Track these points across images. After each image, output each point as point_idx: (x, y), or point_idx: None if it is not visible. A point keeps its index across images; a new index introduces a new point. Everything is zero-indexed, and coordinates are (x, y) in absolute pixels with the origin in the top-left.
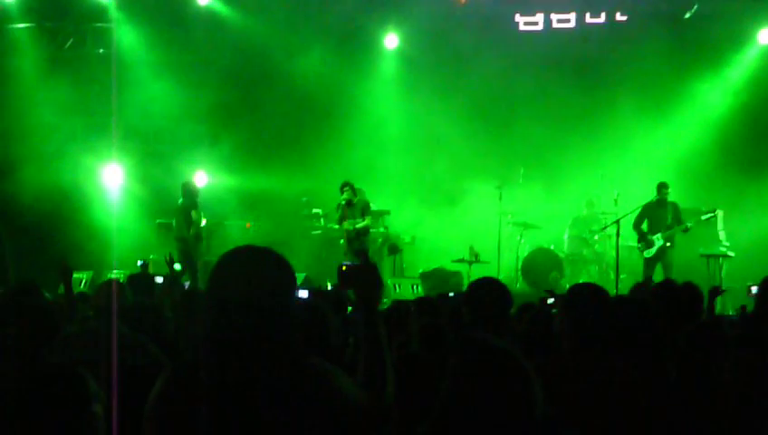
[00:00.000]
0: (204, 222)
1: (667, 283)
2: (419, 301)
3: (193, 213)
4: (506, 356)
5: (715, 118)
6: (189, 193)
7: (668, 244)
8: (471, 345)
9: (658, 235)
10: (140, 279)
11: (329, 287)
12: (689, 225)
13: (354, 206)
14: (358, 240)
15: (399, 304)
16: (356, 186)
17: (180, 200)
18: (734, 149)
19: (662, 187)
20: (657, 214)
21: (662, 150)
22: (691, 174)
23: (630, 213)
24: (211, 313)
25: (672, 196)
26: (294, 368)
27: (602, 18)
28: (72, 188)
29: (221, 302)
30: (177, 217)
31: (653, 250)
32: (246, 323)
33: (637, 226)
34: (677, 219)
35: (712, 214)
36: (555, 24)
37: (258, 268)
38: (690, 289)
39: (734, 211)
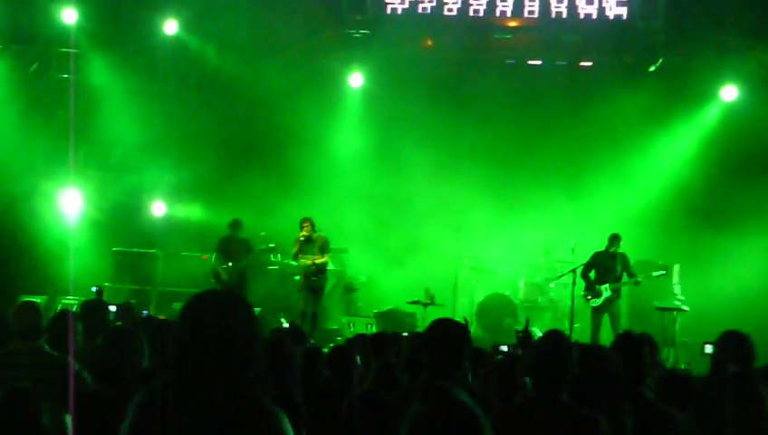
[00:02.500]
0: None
1: (627, 335)
2: (373, 338)
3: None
4: (468, 414)
5: (676, 172)
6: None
7: (615, 295)
8: (435, 397)
9: (606, 285)
10: (94, 306)
11: (284, 324)
12: (639, 278)
13: (313, 242)
14: (315, 277)
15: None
16: (307, 221)
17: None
18: (693, 204)
19: (614, 238)
20: (607, 265)
21: (622, 201)
22: (650, 226)
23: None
24: (178, 352)
25: (630, 247)
26: (247, 405)
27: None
28: (29, 212)
29: (185, 344)
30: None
31: (600, 300)
32: (209, 365)
33: (584, 274)
34: (626, 271)
35: (663, 272)
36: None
37: (224, 315)
38: (648, 341)
39: (690, 265)
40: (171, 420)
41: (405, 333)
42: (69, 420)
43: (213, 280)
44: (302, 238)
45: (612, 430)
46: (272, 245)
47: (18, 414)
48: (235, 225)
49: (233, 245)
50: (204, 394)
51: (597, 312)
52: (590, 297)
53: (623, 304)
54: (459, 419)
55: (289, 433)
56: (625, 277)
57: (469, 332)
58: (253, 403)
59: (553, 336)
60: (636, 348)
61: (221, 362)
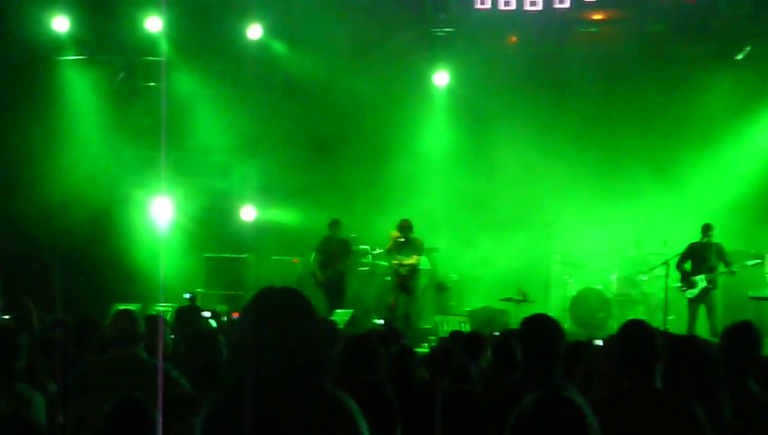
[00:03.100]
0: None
1: (748, 325)
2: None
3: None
4: (578, 411)
5: (766, 160)
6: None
7: (711, 285)
8: (543, 393)
9: (701, 276)
10: (188, 312)
11: (379, 322)
12: (734, 268)
13: (409, 243)
14: (409, 277)
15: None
16: (406, 223)
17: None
18: None
19: (707, 228)
20: (702, 255)
21: (714, 191)
22: (743, 216)
23: (679, 254)
24: (242, 348)
25: (722, 237)
26: (321, 397)
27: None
28: (121, 221)
29: (258, 341)
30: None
31: (695, 291)
32: (280, 355)
33: (680, 266)
34: (723, 261)
35: (759, 260)
36: None
37: (283, 307)
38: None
39: None
40: (241, 418)
41: (496, 332)
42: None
43: (312, 280)
44: (399, 239)
45: (709, 420)
46: (364, 247)
47: (134, 423)
48: (334, 224)
49: (333, 244)
50: (266, 390)
51: (693, 303)
52: (685, 288)
53: (718, 295)
54: (568, 416)
55: (358, 417)
56: (721, 267)
57: (561, 326)
58: (317, 394)
59: (636, 324)
60: (748, 339)
61: (279, 358)
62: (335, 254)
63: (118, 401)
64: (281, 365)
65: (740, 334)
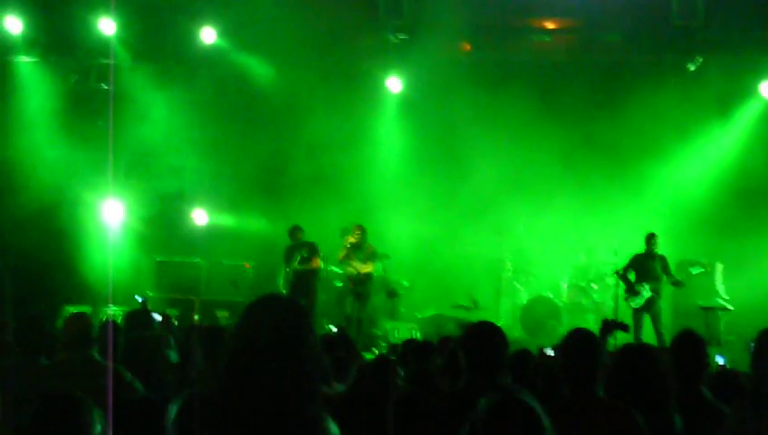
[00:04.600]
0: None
1: (689, 333)
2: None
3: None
4: (531, 412)
5: (718, 170)
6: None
7: (655, 295)
8: (497, 396)
9: (645, 285)
10: (139, 315)
11: (331, 328)
12: (678, 278)
13: (362, 250)
14: (362, 284)
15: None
16: (359, 229)
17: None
18: (737, 203)
19: (650, 238)
20: (646, 265)
21: (665, 201)
22: (693, 226)
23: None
24: (242, 354)
25: (674, 246)
26: (300, 409)
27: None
28: (71, 223)
29: (252, 345)
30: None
31: (641, 301)
32: (268, 365)
33: (623, 276)
34: (665, 272)
35: (702, 268)
36: None
37: (286, 316)
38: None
39: (734, 265)
40: (218, 424)
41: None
42: None
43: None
44: (350, 245)
45: (662, 428)
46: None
47: (67, 422)
48: (292, 232)
49: (293, 251)
50: (254, 400)
51: (638, 312)
52: (629, 298)
53: (667, 304)
54: (524, 418)
55: None
56: (664, 278)
57: (504, 334)
58: (299, 410)
59: (578, 333)
60: (697, 346)
61: (275, 369)
62: (293, 259)
63: (44, 399)
64: (272, 373)
65: (687, 342)
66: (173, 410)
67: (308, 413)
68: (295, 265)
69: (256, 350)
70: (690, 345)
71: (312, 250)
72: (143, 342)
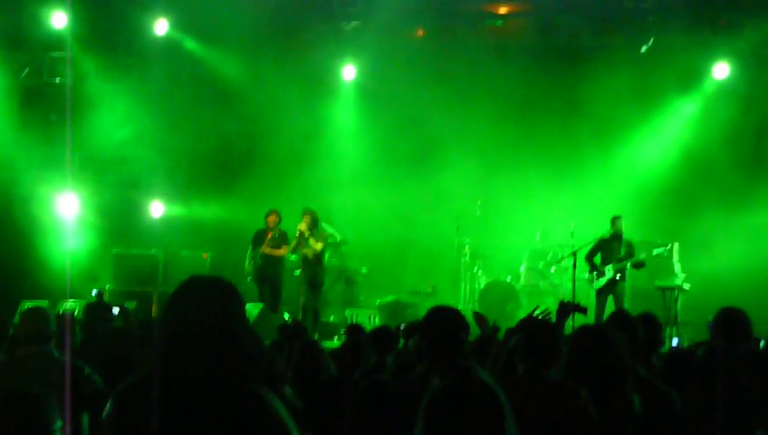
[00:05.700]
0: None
1: (621, 313)
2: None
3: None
4: (489, 390)
5: (673, 150)
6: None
7: (618, 276)
8: (455, 375)
9: (609, 266)
10: (97, 308)
11: (288, 317)
12: (641, 258)
13: (312, 235)
14: (312, 270)
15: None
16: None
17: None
18: (691, 181)
19: (615, 220)
20: (611, 247)
21: (620, 182)
22: (649, 206)
23: (586, 245)
24: (165, 340)
25: (631, 227)
26: (240, 389)
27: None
28: (26, 218)
29: (174, 330)
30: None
31: (602, 281)
32: (199, 349)
33: (589, 258)
34: (630, 253)
35: (664, 248)
36: None
37: (210, 297)
38: (650, 319)
39: (694, 244)
40: (156, 409)
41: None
42: (86, 420)
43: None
44: (299, 233)
45: (620, 408)
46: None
47: (26, 421)
48: (267, 215)
49: (264, 235)
50: (189, 384)
51: (600, 294)
52: (593, 280)
53: (626, 286)
54: (480, 395)
55: (282, 415)
56: (626, 259)
57: (464, 317)
58: (239, 388)
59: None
60: (629, 327)
61: (207, 349)
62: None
63: (2, 399)
64: (204, 357)
65: (628, 324)
66: (111, 400)
67: (248, 393)
68: (266, 247)
69: (181, 335)
70: (623, 326)
71: (283, 238)
72: (102, 334)
